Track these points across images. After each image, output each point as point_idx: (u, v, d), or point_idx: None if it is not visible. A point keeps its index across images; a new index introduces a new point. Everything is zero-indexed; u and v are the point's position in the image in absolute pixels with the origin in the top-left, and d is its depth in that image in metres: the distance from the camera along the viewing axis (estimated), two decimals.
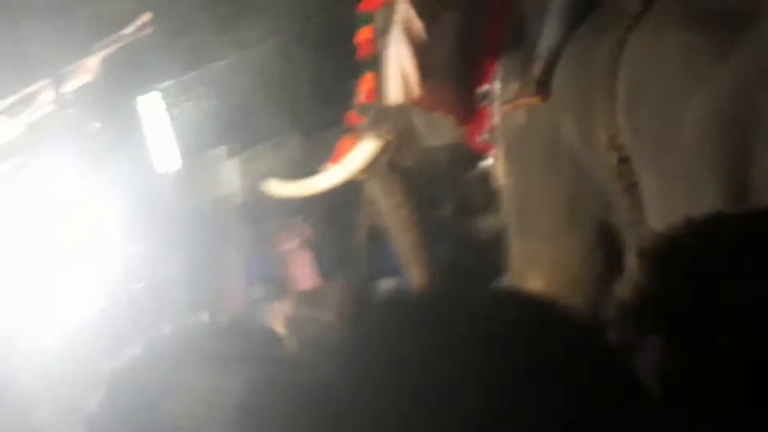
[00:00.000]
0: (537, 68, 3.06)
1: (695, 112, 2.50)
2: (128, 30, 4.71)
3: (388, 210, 3.92)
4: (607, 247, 2.98)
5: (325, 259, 5.45)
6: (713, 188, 2.45)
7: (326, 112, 6.22)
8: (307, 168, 5.39)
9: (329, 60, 6.07)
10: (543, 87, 3.05)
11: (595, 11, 2.98)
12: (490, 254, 4.10)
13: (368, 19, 3.61)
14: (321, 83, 6.12)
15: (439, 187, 3.90)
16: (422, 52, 3.18)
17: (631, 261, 3.05)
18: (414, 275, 3.94)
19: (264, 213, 5.77)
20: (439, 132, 3.57)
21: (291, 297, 4.13)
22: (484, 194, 3.90)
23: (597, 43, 2.89)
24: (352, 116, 3.82)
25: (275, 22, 6.04)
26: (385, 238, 5.47)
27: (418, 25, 3.13)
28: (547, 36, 3.06)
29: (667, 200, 2.65)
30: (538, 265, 3.15)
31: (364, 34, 3.63)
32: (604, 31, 2.88)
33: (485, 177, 3.65)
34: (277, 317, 4.07)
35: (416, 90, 3.13)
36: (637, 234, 2.84)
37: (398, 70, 3.17)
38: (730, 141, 2.41)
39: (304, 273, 5.44)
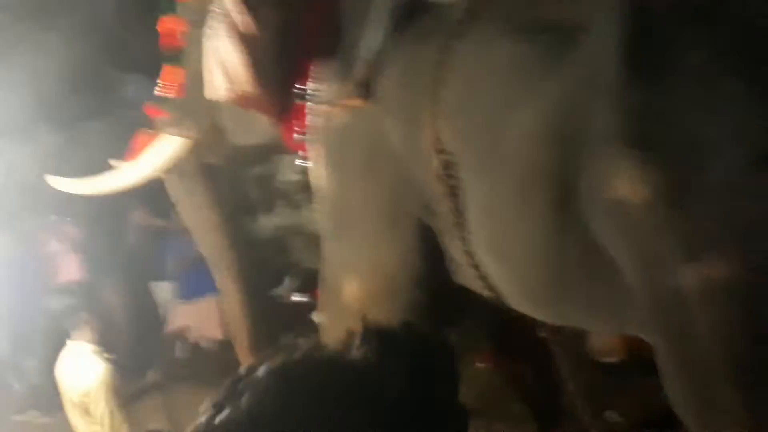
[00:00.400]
0: (358, 70, 3.03)
1: (524, 123, 2.55)
2: None
3: (191, 210, 3.73)
4: (426, 250, 3.00)
5: (96, 260, 5.12)
6: (540, 197, 2.54)
7: (81, 104, 5.86)
8: (61, 161, 5.04)
9: (86, 48, 5.73)
10: (363, 89, 3.03)
11: (420, 17, 2.99)
12: (279, 253, 4.04)
13: (175, 8, 3.42)
14: (76, 73, 5.76)
15: (247, 187, 3.77)
16: (245, 48, 3.05)
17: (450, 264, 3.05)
18: (220, 277, 3.79)
19: (23, 211, 5.33)
20: (252, 130, 3.44)
21: (92, 307, 3.80)
22: (276, 193, 3.83)
23: (422, 48, 2.90)
24: (152, 110, 3.60)
25: (24, 4, 5.62)
26: (165, 239, 5.24)
27: (243, 20, 2.99)
28: (369, 38, 3.04)
29: (494, 207, 2.70)
30: (355, 269, 3.12)
31: (169, 24, 3.43)
32: (429, 37, 2.90)
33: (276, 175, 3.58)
34: (85, 331, 3.73)
35: (244, 86, 2.99)
36: (458, 237, 2.89)
37: (220, 65, 3.02)
38: (557, 153, 2.48)
39: (73, 276, 5.05)
